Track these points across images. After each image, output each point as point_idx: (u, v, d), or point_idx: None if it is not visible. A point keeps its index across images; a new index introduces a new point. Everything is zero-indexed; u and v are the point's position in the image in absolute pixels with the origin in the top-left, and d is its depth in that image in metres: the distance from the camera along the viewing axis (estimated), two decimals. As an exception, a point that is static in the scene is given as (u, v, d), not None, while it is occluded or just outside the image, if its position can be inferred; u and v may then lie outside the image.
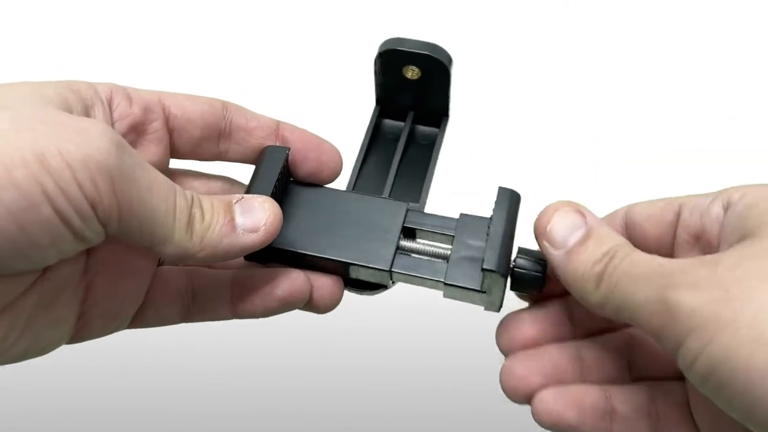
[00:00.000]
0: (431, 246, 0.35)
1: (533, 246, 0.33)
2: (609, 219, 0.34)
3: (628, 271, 0.27)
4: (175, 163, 0.36)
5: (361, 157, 0.41)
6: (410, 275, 0.34)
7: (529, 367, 0.32)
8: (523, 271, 0.33)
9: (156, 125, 0.34)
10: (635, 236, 0.33)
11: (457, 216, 0.36)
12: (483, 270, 0.32)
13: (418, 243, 0.35)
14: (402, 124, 0.43)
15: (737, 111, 0.66)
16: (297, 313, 0.36)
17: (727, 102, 0.66)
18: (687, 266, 0.26)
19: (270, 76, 0.68)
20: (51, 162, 0.24)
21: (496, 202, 0.34)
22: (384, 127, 0.44)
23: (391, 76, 0.41)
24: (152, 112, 0.34)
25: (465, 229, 0.35)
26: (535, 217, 0.32)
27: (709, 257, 0.26)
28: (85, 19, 0.72)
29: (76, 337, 0.32)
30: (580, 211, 0.31)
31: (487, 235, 0.33)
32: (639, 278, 0.27)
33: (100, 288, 0.32)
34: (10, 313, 0.28)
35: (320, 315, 0.36)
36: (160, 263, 0.36)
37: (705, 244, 0.30)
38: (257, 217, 0.31)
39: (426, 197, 0.39)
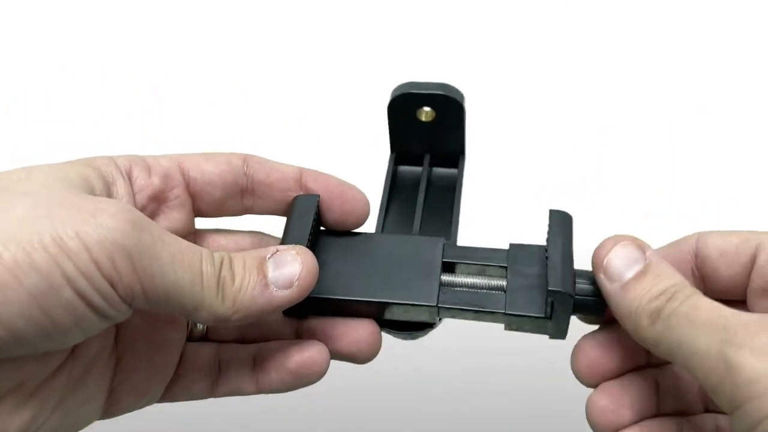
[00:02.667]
0: (479, 279, 0.34)
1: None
2: (677, 247, 0.32)
3: (688, 315, 0.27)
4: (202, 222, 0.36)
5: (384, 206, 0.41)
6: (462, 309, 0.33)
7: (617, 401, 0.31)
8: (584, 297, 0.32)
9: (177, 192, 0.34)
10: (706, 272, 0.32)
11: (495, 245, 0.35)
12: (549, 291, 0.30)
13: (462, 277, 0.34)
14: (419, 168, 0.43)
15: (742, 107, 0.65)
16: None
17: (729, 99, 0.66)
18: (753, 325, 0.25)
19: (289, 120, 0.67)
20: (69, 245, 0.25)
21: (549, 225, 0.33)
22: (401, 174, 0.43)
23: (405, 121, 0.41)
24: (172, 179, 0.34)
25: (518, 258, 0.34)
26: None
27: None
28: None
29: (106, 413, 0.32)
30: (640, 246, 0.30)
31: (546, 259, 0.32)
32: (699, 325, 0.26)
33: (130, 363, 0.32)
34: (40, 394, 0.28)
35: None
36: (189, 338, 0.35)
37: None
38: (291, 271, 0.30)
39: (456, 234, 0.38)
